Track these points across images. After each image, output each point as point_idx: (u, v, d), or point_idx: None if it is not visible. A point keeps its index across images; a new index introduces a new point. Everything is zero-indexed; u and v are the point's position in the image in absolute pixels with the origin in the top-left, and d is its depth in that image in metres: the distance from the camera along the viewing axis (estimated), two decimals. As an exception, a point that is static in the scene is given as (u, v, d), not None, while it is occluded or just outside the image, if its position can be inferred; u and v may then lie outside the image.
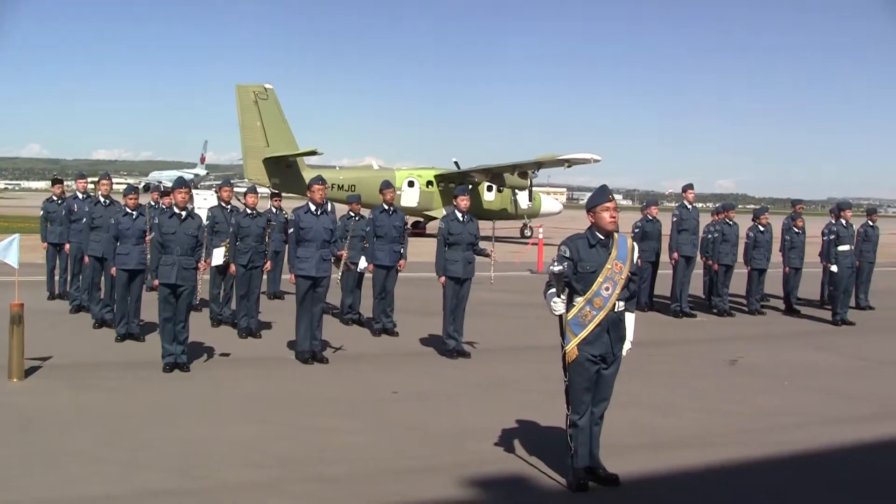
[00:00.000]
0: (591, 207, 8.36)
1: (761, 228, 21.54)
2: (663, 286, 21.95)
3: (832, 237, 20.53)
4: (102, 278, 16.62)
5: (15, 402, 10.81)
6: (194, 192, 34.94)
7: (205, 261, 13.72)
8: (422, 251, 26.23)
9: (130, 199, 15.03)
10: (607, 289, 8.12)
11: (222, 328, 16.56)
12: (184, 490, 8.04)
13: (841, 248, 20.38)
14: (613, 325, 8.22)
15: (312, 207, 13.76)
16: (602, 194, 8.36)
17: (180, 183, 13.46)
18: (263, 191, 32.31)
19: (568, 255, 8.17)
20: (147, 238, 14.40)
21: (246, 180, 46.40)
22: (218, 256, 16.06)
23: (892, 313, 22.91)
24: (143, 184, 73.54)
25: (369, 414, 10.87)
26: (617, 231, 8.43)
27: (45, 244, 19.86)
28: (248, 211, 16.11)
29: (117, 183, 52.47)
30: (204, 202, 31.91)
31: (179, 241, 12.86)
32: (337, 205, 23.39)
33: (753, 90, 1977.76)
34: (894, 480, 9.23)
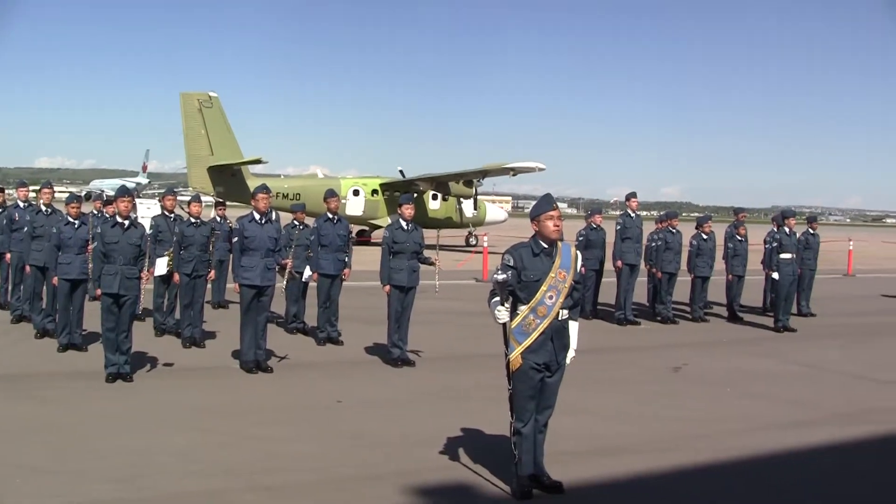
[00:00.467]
0: (534, 216, 8.39)
1: (704, 236, 21.71)
2: (607, 294, 22.05)
3: (775, 245, 20.74)
4: (44, 288, 16.43)
5: (-45, 414, 10.69)
6: (137, 200, 34.71)
7: (148, 270, 13.63)
8: (367, 260, 26.21)
9: (72, 207, 14.89)
10: (551, 297, 8.15)
11: (166, 338, 16.44)
12: (129, 500, 8.01)
13: (783, 255, 20.60)
14: (557, 334, 8.26)
15: (257, 216, 13.75)
16: (546, 203, 8.39)
17: (123, 192, 13.38)
18: (208, 199, 32.16)
19: (512, 263, 8.20)
20: (89, 247, 14.29)
21: (190, 189, 46.16)
22: (161, 266, 15.98)
23: (833, 320, 23.21)
24: (84, 192, 72.99)
25: (314, 423, 10.86)
26: (561, 240, 8.47)
27: (-15, 254, 19.56)
28: (192, 220, 15.99)
29: (59, 191, 51.97)
30: (147, 211, 31.70)
31: (122, 251, 12.77)
32: (282, 213, 23.34)
33: (698, 99, 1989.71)
34: (837, 484, 9.33)
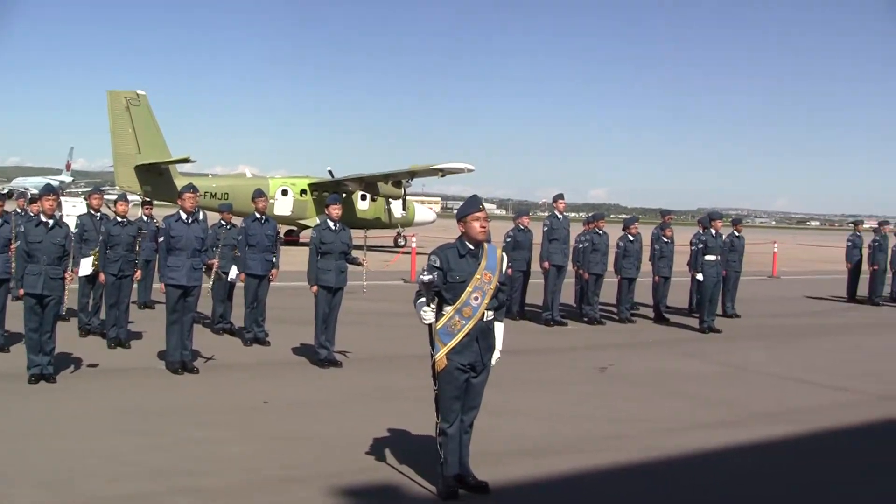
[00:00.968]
0: (461, 217, 8.41)
1: (631, 238, 21.89)
2: (535, 295, 22.13)
3: (700, 246, 20.93)
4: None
5: None
6: (63, 199, 34.32)
7: (72, 270, 13.50)
8: (294, 260, 26.13)
9: (-5, 206, 14.74)
10: (476, 298, 8.19)
11: (91, 338, 16.28)
12: (52, 504, 7.91)
13: (708, 257, 20.79)
14: (482, 335, 8.31)
15: (183, 216, 13.68)
16: (472, 204, 8.42)
17: (48, 190, 13.24)
18: (135, 198, 31.88)
19: (438, 264, 8.23)
20: (12, 246, 14.14)
21: (117, 188, 45.77)
22: (86, 266, 15.83)
23: (758, 321, 23.48)
24: (7, 190, 72.03)
25: (241, 424, 10.80)
26: (488, 241, 8.51)
27: None
28: (119, 219, 15.82)
29: (-18, 190, 51.31)
30: (73, 209, 31.36)
31: (46, 251, 12.61)
32: (211, 213, 23.21)
33: (626, 101, 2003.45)
34: (760, 484, 9.45)
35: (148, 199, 25.03)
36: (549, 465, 9.53)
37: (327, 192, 45.13)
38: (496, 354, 8.54)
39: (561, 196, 21.65)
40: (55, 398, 11.81)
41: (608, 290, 22.44)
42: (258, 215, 16.47)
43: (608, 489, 9.03)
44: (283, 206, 47.78)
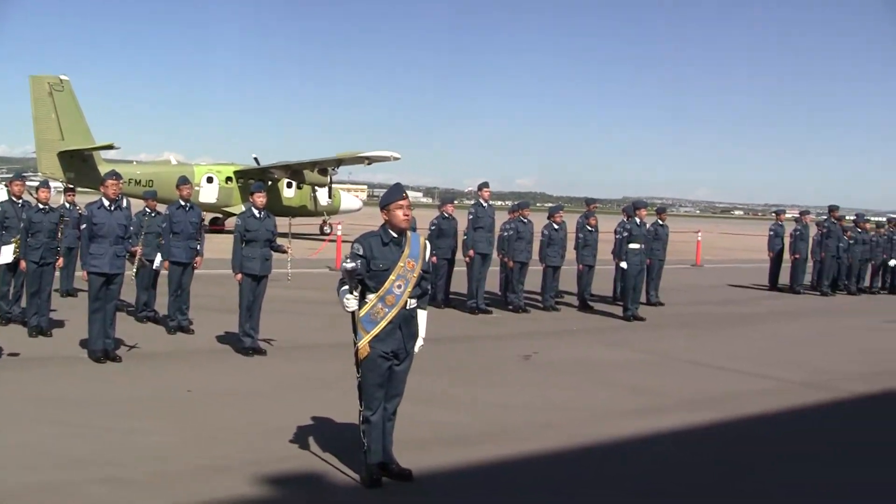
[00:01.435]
0: (384, 205, 8.43)
1: (555, 226, 21.96)
2: (460, 283, 22.20)
3: (625, 235, 21.08)
4: None
5: None
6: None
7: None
8: (219, 248, 26.00)
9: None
10: (399, 286, 8.22)
11: (11, 326, 16.04)
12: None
13: (632, 245, 20.95)
14: (405, 322, 8.34)
15: (106, 203, 13.54)
16: (396, 192, 8.44)
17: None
18: (58, 185, 31.52)
19: (361, 252, 8.23)
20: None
21: (39, 174, 45.17)
22: (7, 253, 15.64)
23: (681, 309, 23.74)
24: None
25: (164, 413, 10.72)
26: (414, 229, 8.56)
27: None
28: (41, 206, 15.64)
29: None
30: (-7, 196, 30.98)
31: (-35, 239, 12.48)
32: (136, 200, 23.01)
33: (554, 90, 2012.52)
34: (683, 470, 9.59)
35: (71, 186, 24.75)
36: (472, 453, 9.58)
37: (253, 179, 44.88)
38: (419, 342, 8.58)
39: (486, 184, 21.76)
40: (-25, 387, 11.66)
41: (533, 279, 22.52)
42: (183, 202, 16.36)
43: (532, 477, 9.09)
44: (208, 194, 47.43)
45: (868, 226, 31.60)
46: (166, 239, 16.24)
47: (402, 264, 8.25)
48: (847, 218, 31.43)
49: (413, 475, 8.54)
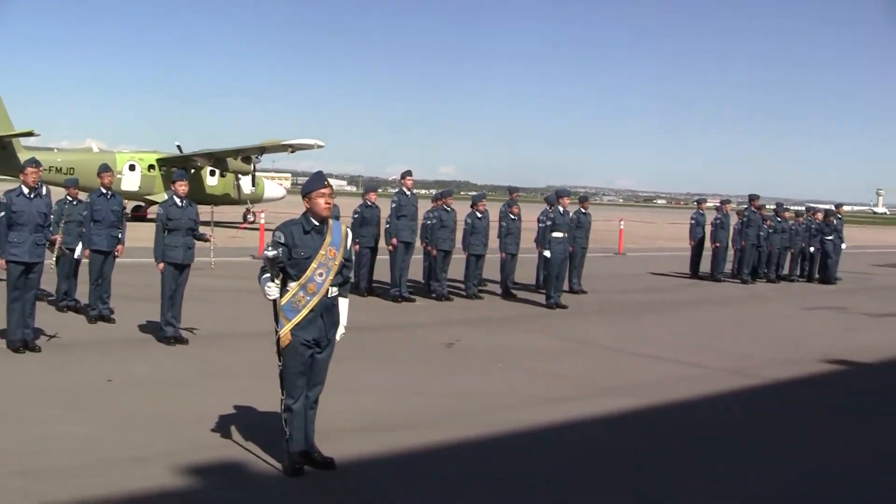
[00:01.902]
0: (306, 193, 8.43)
1: (479, 215, 22.05)
2: (383, 271, 22.23)
3: (548, 223, 21.17)
4: None
5: None
6: None
7: None
8: (141, 236, 25.80)
9: None
10: (321, 274, 8.23)
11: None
12: None
13: (555, 234, 21.06)
14: (327, 310, 8.35)
15: (25, 190, 13.38)
16: (317, 180, 8.45)
17: None
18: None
19: (282, 240, 8.23)
20: None
21: (-44, 162, 44.56)
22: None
23: (603, 297, 23.90)
24: None
25: (84, 403, 10.64)
26: (337, 217, 8.58)
27: None
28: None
29: None
30: None
31: None
32: (57, 188, 22.76)
33: (476, 78, 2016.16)
34: (599, 456, 9.68)
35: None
36: (394, 441, 9.60)
37: (176, 167, 44.59)
38: (341, 330, 8.58)
39: (409, 173, 21.79)
40: None
41: (456, 267, 22.61)
42: (104, 190, 16.21)
43: (453, 463, 9.15)
44: (130, 182, 47.04)
45: (787, 215, 32.01)
46: (87, 227, 16.05)
47: (323, 252, 8.25)
48: (767, 207, 31.81)
49: (335, 463, 8.55)
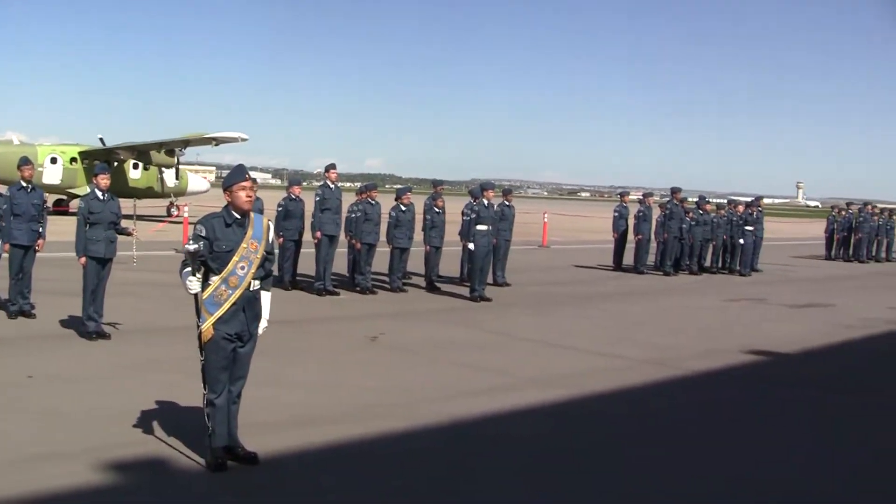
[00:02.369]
0: (227, 186, 8.41)
1: (403, 208, 22.06)
2: (307, 265, 22.18)
3: (472, 216, 21.23)
4: None
5: None
6: None
7: None
8: (64, 230, 25.54)
9: None
10: (243, 268, 8.21)
11: None
12: None
13: (479, 227, 21.12)
14: (249, 304, 8.34)
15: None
16: (238, 173, 8.43)
17: None
18: None
19: (204, 234, 8.20)
20: None
21: None
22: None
23: (527, 289, 24.00)
24: None
25: (2, 400, 10.50)
26: (260, 211, 8.57)
27: None
28: None
29: None
30: None
31: None
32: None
33: (402, 72, 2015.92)
34: (524, 447, 9.75)
35: None
36: (319, 435, 9.60)
37: (98, 160, 44.18)
38: (263, 324, 8.59)
39: (333, 166, 21.77)
40: None
41: (380, 260, 22.61)
42: (24, 184, 16.01)
43: (379, 457, 9.17)
44: (52, 175, 46.51)
45: (709, 207, 32.28)
46: (7, 221, 15.87)
47: (245, 245, 8.24)
48: (689, 200, 32.16)
49: (259, 458, 8.54)
